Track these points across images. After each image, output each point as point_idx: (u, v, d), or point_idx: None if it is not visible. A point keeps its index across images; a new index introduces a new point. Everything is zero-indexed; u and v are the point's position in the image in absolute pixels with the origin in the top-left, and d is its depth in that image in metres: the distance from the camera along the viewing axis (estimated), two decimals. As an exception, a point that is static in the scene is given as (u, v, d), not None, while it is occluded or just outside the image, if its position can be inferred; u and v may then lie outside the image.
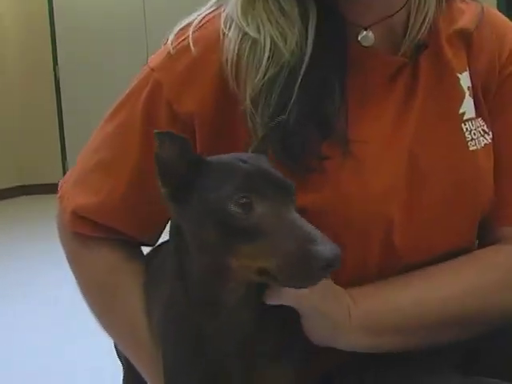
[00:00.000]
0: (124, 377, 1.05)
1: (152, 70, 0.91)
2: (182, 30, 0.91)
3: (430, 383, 0.87)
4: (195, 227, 0.72)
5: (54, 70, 5.65)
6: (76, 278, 0.98)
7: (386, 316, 0.84)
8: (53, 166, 5.24)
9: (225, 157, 0.73)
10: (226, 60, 0.85)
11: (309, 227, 0.66)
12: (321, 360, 0.86)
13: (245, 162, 0.71)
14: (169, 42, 0.91)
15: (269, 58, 0.83)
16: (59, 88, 5.48)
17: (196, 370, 0.77)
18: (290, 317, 0.79)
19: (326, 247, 0.63)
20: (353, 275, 0.85)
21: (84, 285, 0.97)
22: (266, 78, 0.83)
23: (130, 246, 0.97)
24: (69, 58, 5.46)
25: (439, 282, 0.88)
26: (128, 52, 5.30)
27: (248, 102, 0.83)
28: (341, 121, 0.84)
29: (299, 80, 0.82)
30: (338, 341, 0.82)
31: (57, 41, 5.54)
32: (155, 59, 0.92)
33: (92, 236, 0.94)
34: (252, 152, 0.77)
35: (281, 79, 0.83)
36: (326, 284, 0.79)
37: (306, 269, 0.64)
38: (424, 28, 0.89)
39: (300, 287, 0.68)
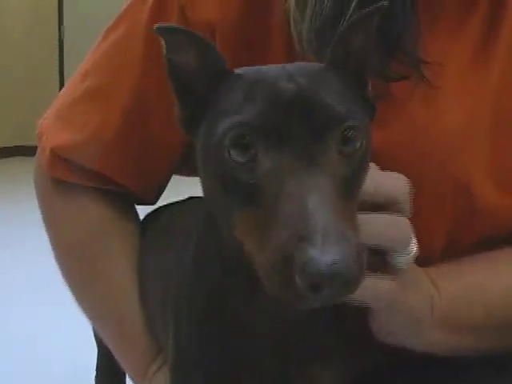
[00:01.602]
0: (98, 363, 0.85)
1: None
2: None
3: None
4: (201, 172, 0.51)
5: (59, 30, 5.46)
6: (49, 236, 0.78)
7: (472, 309, 0.66)
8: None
9: (267, 69, 0.50)
10: None
11: (319, 211, 0.43)
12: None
13: (292, 79, 0.48)
14: None
15: None
16: (63, 48, 5.29)
17: (223, 358, 0.58)
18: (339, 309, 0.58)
19: (323, 254, 0.41)
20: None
21: (59, 245, 0.77)
22: None
23: (122, 200, 0.76)
24: (74, 17, 5.27)
25: None
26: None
27: (292, 2, 0.63)
28: (411, 37, 0.64)
29: None
30: (415, 339, 0.63)
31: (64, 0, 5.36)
32: None
33: (74, 183, 0.74)
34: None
35: None
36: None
37: (285, 281, 0.43)
38: None
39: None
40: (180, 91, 0.51)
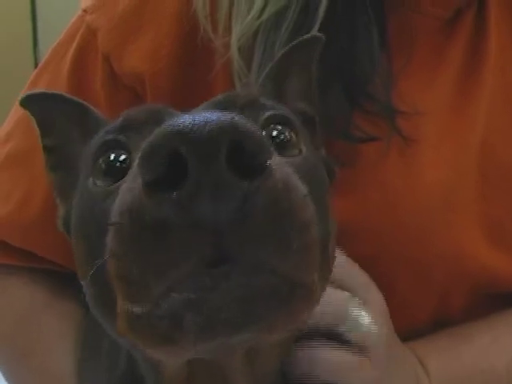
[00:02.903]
0: None
1: (84, 11, 0.62)
2: None
3: None
4: (77, 265, 0.40)
5: (34, 52, 5.36)
6: None
7: None
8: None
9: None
10: None
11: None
12: None
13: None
14: None
15: None
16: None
17: None
18: None
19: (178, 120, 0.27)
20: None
21: None
22: (266, 15, 0.53)
23: (61, 278, 0.66)
24: (49, 40, 5.16)
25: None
26: None
27: (235, 52, 0.54)
28: (382, 83, 0.55)
29: (319, 19, 0.52)
30: None
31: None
32: None
33: (2, 264, 0.64)
34: None
35: (289, 18, 0.53)
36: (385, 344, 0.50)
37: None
38: None
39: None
40: (64, 181, 0.44)
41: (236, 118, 0.26)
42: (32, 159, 0.63)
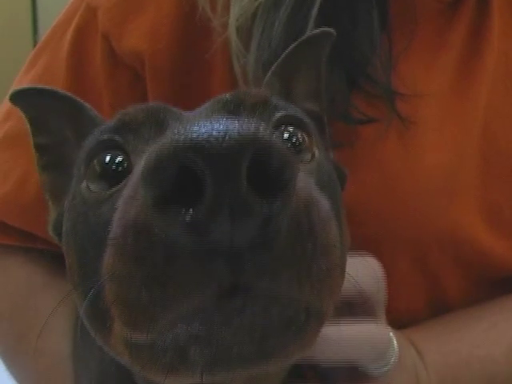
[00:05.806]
0: None
1: None
2: None
3: None
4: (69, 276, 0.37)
5: (34, 39, 5.33)
6: None
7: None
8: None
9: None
10: None
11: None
12: None
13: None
14: None
15: None
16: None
17: None
18: None
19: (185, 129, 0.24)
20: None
21: None
22: None
23: (59, 258, 0.66)
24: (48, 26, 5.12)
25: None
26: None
27: (233, 33, 0.54)
28: (382, 65, 0.55)
29: (318, 1, 0.51)
30: None
31: None
32: None
33: (0, 244, 0.64)
34: None
35: None
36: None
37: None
38: None
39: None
40: (56, 182, 0.42)
41: (260, 129, 0.23)
42: (27, 139, 0.63)
